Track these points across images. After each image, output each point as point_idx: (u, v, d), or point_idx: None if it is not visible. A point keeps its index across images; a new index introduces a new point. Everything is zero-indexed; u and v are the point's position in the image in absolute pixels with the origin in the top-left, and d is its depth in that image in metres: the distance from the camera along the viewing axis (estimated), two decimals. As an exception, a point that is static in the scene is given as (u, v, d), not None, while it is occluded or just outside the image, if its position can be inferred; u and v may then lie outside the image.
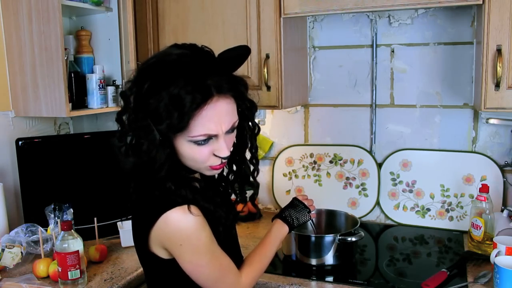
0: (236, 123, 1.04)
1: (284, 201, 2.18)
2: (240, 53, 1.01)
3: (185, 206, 1.00)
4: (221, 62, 0.99)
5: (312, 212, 1.37)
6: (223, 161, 1.05)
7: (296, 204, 1.36)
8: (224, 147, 1.01)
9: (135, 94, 0.98)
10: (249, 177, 1.19)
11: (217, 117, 0.96)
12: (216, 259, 1.09)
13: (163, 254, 1.09)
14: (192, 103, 0.91)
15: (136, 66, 1.94)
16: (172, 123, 0.93)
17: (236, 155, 1.14)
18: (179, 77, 0.91)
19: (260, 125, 2.14)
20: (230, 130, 1.03)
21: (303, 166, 2.16)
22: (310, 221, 1.41)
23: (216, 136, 0.99)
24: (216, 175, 1.19)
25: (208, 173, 1.08)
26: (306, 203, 1.36)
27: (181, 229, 1.01)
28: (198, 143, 0.98)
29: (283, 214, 1.33)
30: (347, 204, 2.09)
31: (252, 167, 1.19)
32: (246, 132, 1.13)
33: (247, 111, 1.09)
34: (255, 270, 1.21)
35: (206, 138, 0.98)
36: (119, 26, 1.95)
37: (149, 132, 0.95)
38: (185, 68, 0.93)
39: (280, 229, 1.30)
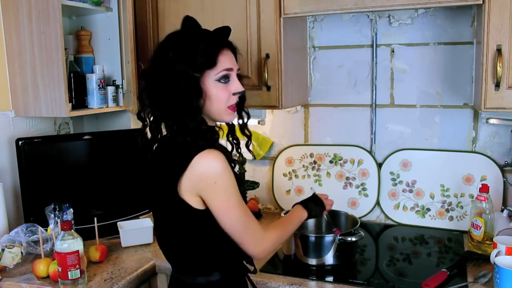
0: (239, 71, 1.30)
1: (284, 201, 2.19)
2: (227, 29, 1.30)
3: (213, 150, 1.17)
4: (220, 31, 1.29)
5: (327, 209, 1.55)
6: (235, 104, 1.28)
7: (317, 198, 1.53)
8: (239, 84, 1.27)
9: (161, 60, 1.21)
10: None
11: (229, 59, 1.26)
12: (243, 204, 1.22)
13: (194, 202, 1.18)
14: (216, 48, 1.22)
15: (137, 65, 1.95)
16: (207, 58, 1.20)
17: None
18: (204, 36, 1.23)
19: (260, 125, 2.17)
20: (238, 74, 1.29)
21: (303, 166, 2.16)
22: (327, 215, 1.61)
23: (232, 72, 1.25)
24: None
25: (227, 117, 1.28)
26: (324, 201, 1.53)
27: (215, 167, 1.15)
28: (221, 81, 1.23)
29: (305, 201, 1.50)
30: (347, 204, 2.09)
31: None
32: None
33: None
34: (278, 232, 1.33)
35: (226, 74, 1.23)
36: (119, 26, 1.95)
37: (187, 76, 1.18)
38: (205, 32, 1.26)
39: (301, 212, 1.46)
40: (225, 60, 1.23)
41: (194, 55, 1.19)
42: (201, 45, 1.20)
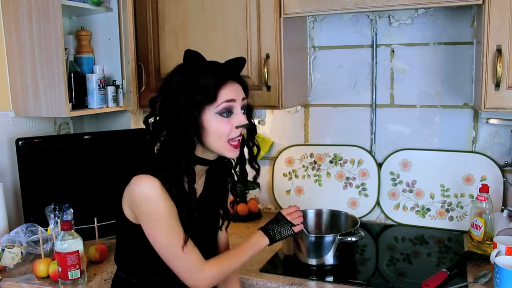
0: (246, 104, 1.27)
1: (284, 201, 2.19)
2: (240, 60, 1.30)
3: (151, 176, 1.18)
4: (228, 64, 1.28)
5: (297, 225, 1.40)
6: (239, 138, 1.26)
7: (279, 219, 1.40)
8: (242, 117, 1.24)
9: (165, 91, 1.23)
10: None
11: (234, 91, 1.23)
12: (175, 234, 1.20)
13: (131, 217, 1.23)
14: (218, 81, 1.21)
15: (137, 65, 1.95)
16: (206, 94, 1.19)
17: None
18: (207, 70, 1.22)
19: (260, 125, 2.18)
20: (244, 108, 1.26)
21: (303, 166, 2.16)
22: (304, 228, 1.45)
23: (234, 104, 1.22)
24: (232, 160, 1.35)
25: (228, 153, 1.25)
26: (289, 218, 1.40)
27: (143, 191, 1.18)
28: (222, 114, 1.21)
29: (266, 227, 1.38)
30: (347, 204, 2.09)
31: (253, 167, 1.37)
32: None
33: (247, 109, 1.31)
34: (222, 264, 1.28)
35: (228, 107, 1.21)
36: (119, 26, 1.95)
37: (186, 111, 1.18)
38: (209, 65, 1.24)
39: (259, 239, 1.35)
40: (227, 93, 1.21)
41: (193, 90, 1.19)
42: (201, 79, 1.20)
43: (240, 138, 1.26)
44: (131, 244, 1.29)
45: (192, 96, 1.19)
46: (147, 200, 1.18)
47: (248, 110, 1.30)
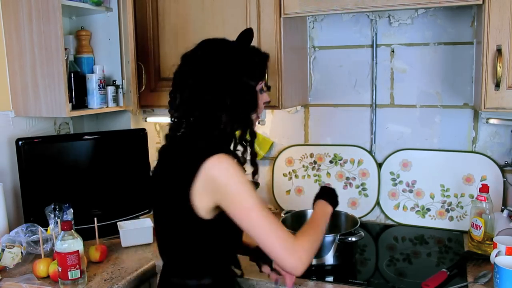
0: None
1: (284, 201, 2.19)
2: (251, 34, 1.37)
3: (225, 154, 1.16)
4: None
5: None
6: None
7: (326, 190, 1.47)
8: (267, 96, 1.36)
9: (216, 67, 1.24)
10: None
11: None
12: (263, 209, 1.15)
13: (203, 209, 1.16)
14: (264, 59, 1.33)
15: (137, 65, 1.95)
16: (260, 72, 1.30)
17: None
18: (252, 48, 1.32)
19: (260, 125, 2.17)
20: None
21: (303, 166, 2.16)
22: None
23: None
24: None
25: (255, 125, 1.34)
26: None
27: (227, 169, 1.14)
28: (261, 92, 1.31)
29: (323, 197, 1.43)
30: (347, 204, 2.09)
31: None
32: None
33: None
34: (310, 237, 1.22)
35: (264, 86, 1.32)
36: (119, 26, 1.94)
37: (248, 88, 1.26)
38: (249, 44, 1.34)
39: (326, 208, 1.39)
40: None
41: (252, 68, 1.27)
42: (255, 58, 1.29)
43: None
44: (192, 241, 1.23)
45: (253, 73, 1.26)
46: (233, 176, 1.14)
47: None
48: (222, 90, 1.22)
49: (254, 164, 1.32)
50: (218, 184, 1.13)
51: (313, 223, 1.31)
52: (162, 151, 1.32)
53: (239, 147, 1.32)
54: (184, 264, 1.28)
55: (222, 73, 1.22)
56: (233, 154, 1.26)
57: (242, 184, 1.14)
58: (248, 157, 1.32)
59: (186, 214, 1.18)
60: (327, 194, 1.44)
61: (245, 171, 1.25)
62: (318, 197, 1.44)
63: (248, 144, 1.31)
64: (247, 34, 1.33)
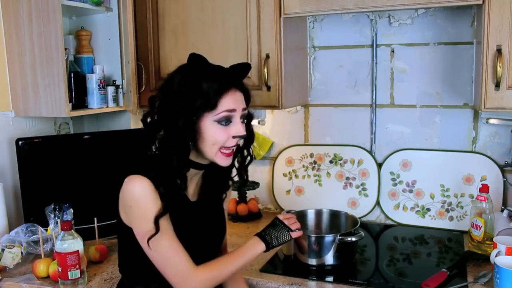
0: (246, 113, 1.26)
1: (284, 201, 2.19)
2: (245, 66, 1.28)
3: (142, 177, 1.18)
4: (232, 70, 1.26)
5: (294, 230, 1.35)
6: (234, 148, 1.24)
7: (276, 224, 1.36)
8: (241, 128, 1.22)
9: (165, 91, 1.21)
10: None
11: (235, 100, 1.21)
12: (165, 237, 1.18)
13: (125, 220, 1.24)
14: (220, 89, 1.19)
15: (137, 65, 1.95)
16: (206, 101, 1.17)
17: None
18: (210, 75, 1.20)
19: (260, 125, 2.17)
20: (243, 117, 1.24)
21: (303, 166, 2.16)
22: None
23: (234, 113, 1.21)
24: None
25: (220, 161, 1.23)
26: (287, 223, 1.35)
27: (134, 191, 1.18)
28: (221, 123, 1.19)
29: (262, 232, 1.34)
30: (347, 204, 2.09)
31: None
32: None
33: (247, 118, 1.30)
34: (213, 270, 1.24)
35: (227, 116, 1.19)
36: (119, 26, 1.94)
37: (184, 115, 1.17)
38: (212, 70, 1.22)
39: (255, 245, 1.30)
40: (228, 102, 1.19)
41: (194, 95, 1.17)
42: (204, 85, 1.17)
43: (235, 147, 1.25)
44: (129, 249, 1.27)
45: (193, 101, 1.17)
46: (137, 200, 1.18)
47: (248, 119, 1.29)
48: (160, 112, 1.22)
49: (241, 176, 1.35)
50: (124, 201, 1.22)
51: (231, 257, 1.29)
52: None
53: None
54: (132, 270, 1.31)
55: (163, 94, 1.22)
56: (161, 178, 1.19)
57: (142, 210, 1.17)
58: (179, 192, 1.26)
59: (118, 221, 1.27)
60: (273, 228, 1.34)
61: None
62: (263, 229, 1.35)
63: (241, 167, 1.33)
64: (193, 58, 1.21)
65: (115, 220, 1.30)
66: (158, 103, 1.22)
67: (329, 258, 1.59)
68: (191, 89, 1.17)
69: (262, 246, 1.30)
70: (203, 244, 1.32)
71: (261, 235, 1.32)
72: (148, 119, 1.25)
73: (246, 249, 1.30)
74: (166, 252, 1.19)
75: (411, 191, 2.00)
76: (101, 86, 1.91)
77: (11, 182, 1.88)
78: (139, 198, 1.18)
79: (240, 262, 1.28)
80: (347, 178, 2.09)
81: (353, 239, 1.57)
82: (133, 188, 1.18)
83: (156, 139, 1.23)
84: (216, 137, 1.20)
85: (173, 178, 1.21)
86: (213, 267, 1.25)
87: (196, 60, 1.20)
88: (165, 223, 1.19)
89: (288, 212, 1.80)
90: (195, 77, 1.18)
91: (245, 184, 1.31)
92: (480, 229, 1.64)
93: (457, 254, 1.71)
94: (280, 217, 1.37)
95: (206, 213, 1.35)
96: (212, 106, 1.17)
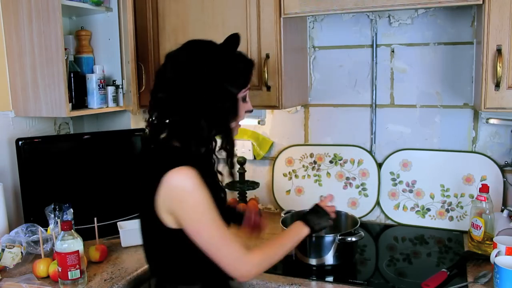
0: None
1: (284, 201, 2.19)
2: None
3: (186, 167, 1.14)
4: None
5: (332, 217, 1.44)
6: None
7: (318, 211, 1.43)
8: (250, 105, 1.32)
9: (196, 73, 1.20)
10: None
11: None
12: (217, 225, 1.17)
13: (168, 221, 1.18)
14: (250, 66, 1.28)
15: (137, 65, 1.94)
16: (244, 80, 1.26)
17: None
18: (238, 55, 1.28)
19: (260, 125, 2.17)
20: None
21: (303, 166, 2.16)
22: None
23: (248, 92, 1.30)
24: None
25: (235, 133, 1.30)
26: (327, 210, 1.43)
27: (183, 185, 1.14)
28: (244, 100, 1.28)
29: (305, 217, 1.39)
30: (347, 204, 2.08)
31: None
32: None
33: None
34: (265, 253, 1.25)
35: (246, 93, 1.28)
36: (119, 26, 1.95)
37: (230, 96, 1.22)
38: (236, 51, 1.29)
39: (301, 229, 1.37)
40: (250, 79, 1.29)
41: (235, 75, 1.23)
42: (240, 64, 1.25)
43: None
44: (173, 251, 1.24)
45: (235, 80, 1.22)
46: (188, 192, 1.14)
47: None
48: (202, 94, 1.19)
49: (231, 175, 1.31)
50: (172, 197, 1.15)
51: (279, 240, 1.32)
52: (142, 156, 1.32)
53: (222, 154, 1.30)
54: (172, 271, 1.28)
55: (204, 77, 1.19)
56: (203, 165, 1.20)
57: (195, 200, 1.15)
58: (225, 169, 1.31)
59: (156, 225, 1.19)
60: (315, 214, 1.42)
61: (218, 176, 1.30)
62: (305, 215, 1.42)
63: (227, 154, 1.29)
64: (234, 39, 1.28)
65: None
66: (178, 82, 1.20)
67: (329, 258, 1.59)
68: (231, 69, 1.22)
69: (306, 230, 1.36)
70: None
71: (305, 220, 1.38)
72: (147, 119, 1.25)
73: (293, 233, 1.36)
74: (220, 239, 1.17)
75: (411, 191, 2.00)
76: (101, 86, 1.91)
77: (11, 182, 1.88)
78: (191, 188, 1.14)
79: (288, 245, 1.32)
80: (347, 178, 2.09)
81: (353, 239, 1.57)
82: (182, 180, 1.14)
83: (194, 126, 1.20)
84: (241, 114, 1.28)
85: (211, 164, 1.26)
86: (264, 250, 1.26)
87: (235, 41, 1.27)
88: (214, 211, 1.17)
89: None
90: (230, 57, 1.24)
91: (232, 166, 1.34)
92: (480, 229, 1.64)
93: (457, 254, 1.71)
94: (321, 204, 1.45)
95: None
96: (246, 83, 1.26)
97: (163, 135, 1.26)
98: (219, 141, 1.28)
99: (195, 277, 1.26)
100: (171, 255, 1.25)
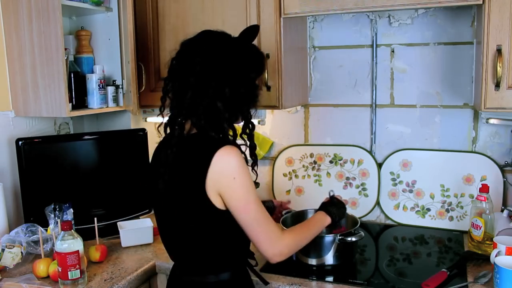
0: None
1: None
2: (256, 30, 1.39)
3: (233, 146, 1.20)
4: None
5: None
6: None
7: (336, 203, 1.54)
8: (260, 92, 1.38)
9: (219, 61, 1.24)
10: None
11: None
12: (259, 202, 1.23)
13: (217, 201, 1.20)
14: (262, 57, 1.34)
15: (137, 65, 1.94)
16: (262, 67, 1.34)
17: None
18: (254, 45, 1.34)
19: (260, 125, 2.18)
20: None
21: (303, 166, 2.16)
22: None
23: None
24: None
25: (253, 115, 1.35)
26: (343, 201, 1.57)
27: (234, 163, 1.18)
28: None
29: (326, 208, 1.49)
30: (347, 204, 2.08)
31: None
32: None
33: None
34: (298, 235, 1.33)
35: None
36: (119, 26, 1.94)
37: (254, 84, 1.30)
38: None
39: (324, 218, 1.47)
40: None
41: (255, 61, 1.29)
42: (257, 51, 1.31)
43: None
44: (210, 236, 1.26)
45: (254, 67, 1.28)
46: (239, 169, 1.18)
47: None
48: (227, 81, 1.22)
49: (254, 155, 1.35)
50: (223, 175, 1.18)
51: (306, 226, 1.41)
52: (163, 148, 1.30)
53: (240, 140, 1.33)
54: (201, 261, 1.29)
55: (227, 64, 1.23)
56: (239, 146, 1.26)
57: (245, 178, 1.19)
58: (247, 151, 1.34)
59: (202, 206, 1.20)
60: (335, 205, 1.52)
61: (252, 163, 1.34)
62: (325, 205, 1.52)
63: (248, 137, 1.33)
64: (253, 30, 1.35)
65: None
66: (201, 72, 1.22)
67: (329, 258, 1.59)
68: (251, 56, 1.28)
69: (329, 219, 1.47)
70: None
71: (326, 210, 1.48)
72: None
73: (318, 221, 1.45)
74: (261, 217, 1.22)
75: (411, 191, 2.00)
76: (101, 86, 1.91)
77: (11, 182, 1.88)
78: (242, 166, 1.19)
79: (314, 231, 1.41)
80: (347, 178, 2.09)
81: (353, 239, 1.57)
82: (234, 158, 1.18)
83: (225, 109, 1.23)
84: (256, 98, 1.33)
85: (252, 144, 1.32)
86: (296, 233, 1.34)
87: (255, 32, 1.34)
88: (255, 189, 1.23)
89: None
90: (249, 46, 1.31)
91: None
92: (480, 229, 1.64)
93: (457, 254, 1.71)
94: (338, 197, 1.58)
95: None
96: (262, 71, 1.35)
97: (188, 131, 1.27)
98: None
99: (224, 265, 1.28)
100: (206, 241, 1.26)
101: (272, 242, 1.24)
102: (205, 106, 1.21)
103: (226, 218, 1.22)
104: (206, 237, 1.25)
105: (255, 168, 1.36)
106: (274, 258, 1.26)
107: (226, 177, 1.18)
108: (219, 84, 1.21)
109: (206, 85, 1.21)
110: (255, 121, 2.12)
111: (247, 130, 1.31)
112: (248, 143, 1.33)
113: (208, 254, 1.27)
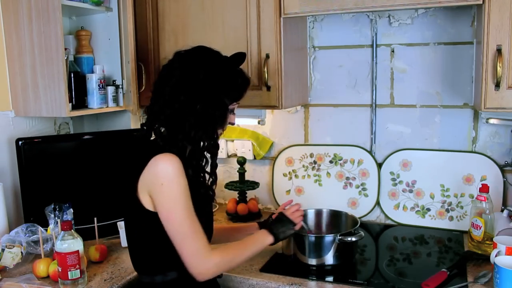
0: None
1: (284, 201, 2.16)
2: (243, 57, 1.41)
3: (172, 154, 1.22)
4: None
5: (297, 225, 1.51)
6: None
7: (282, 220, 1.50)
8: (234, 118, 1.41)
9: (197, 81, 1.27)
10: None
11: None
12: (189, 215, 1.22)
13: (146, 203, 1.24)
14: (246, 83, 1.39)
15: (137, 65, 1.95)
16: (238, 94, 1.37)
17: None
18: (239, 71, 1.38)
19: (260, 125, 2.19)
20: None
21: (303, 166, 2.16)
22: (303, 223, 1.55)
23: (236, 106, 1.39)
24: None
25: (219, 137, 1.38)
26: (291, 217, 1.50)
27: (168, 169, 1.20)
28: (232, 112, 1.37)
29: (270, 226, 1.46)
30: (347, 204, 2.09)
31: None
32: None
33: None
34: (227, 254, 1.30)
35: (235, 107, 1.38)
36: (119, 26, 1.95)
37: (223, 106, 1.32)
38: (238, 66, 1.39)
39: (265, 237, 1.42)
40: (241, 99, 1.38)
41: (231, 87, 1.32)
42: (239, 79, 1.34)
43: None
44: (149, 236, 1.28)
45: (231, 93, 1.32)
46: (169, 177, 1.20)
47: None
48: (199, 97, 1.26)
49: (214, 174, 1.38)
50: (155, 178, 1.21)
51: (243, 245, 1.38)
52: (130, 151, 1.37)
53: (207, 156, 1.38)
54: (148, 261, 1.31)
55: (205, 82, 1.27)
56: (186, 158, 1.28)
57: (174, 187, 1.20)
58: (208, 169, 1.38)
59: (136, 208, 1.25)
60: (280, 223, 1.48)
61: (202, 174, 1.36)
62: (270, 223, 1.50)
63: (210, 156, 1.36)
64: (240, 56, 1.37)
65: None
66: (174, 89, 1.27)
67: (329, 258, 1.59)
68: (230, 82, 1.32)
69: (270, 238, 1.42)
70: (211, 223, 1.40)
71: (269, 229, 1.44)
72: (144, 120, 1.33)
73: (256, 240, 1.40)
74: (188, 231, 1.22)
75: (411, 191, 2.00)
76: (101, 86, 1.91)
77: (11, 182, 1.88)
78: (175, 175, 1.20)
79: (250, 251, 1.36)
80: (347, 178, 2.09)
81: (353, 239, 1.57)
82: (166, 165, 1.20)
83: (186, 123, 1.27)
84: (226, 124, 1.36)
85: (198, 160, 1.32)
86: (228, 252, 1.31)
87: (240, 59, 1.37)
88: (189, 202, 1.23)
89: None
90: (233, 71, 1.34)
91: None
92: (480, 229, 1.64)
93: (457, 254, 1.71)
94: (286, 213, 1.51)
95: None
96: (239, 98, 1.36)
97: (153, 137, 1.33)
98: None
99: (170, 265, 1.28)
100: (148, 241, 1.29)
101: (197, 260, 1.23)
102: (168, 116, 1.27)
103: (157, 220, 1.23)
104: (144, 237, 1.30)
105: (213, 187, 1.39)
106: (199, 276, 1.25)
107: (156, 181, 1.20)
108: (189, 99, 1.26)
109: (175, 98, 1.26)
110: (254, 121, 2.15)
111: (210, 149, 1.34)
112: (210, 161, 1.36)
113: (151, 254, 1.30)
